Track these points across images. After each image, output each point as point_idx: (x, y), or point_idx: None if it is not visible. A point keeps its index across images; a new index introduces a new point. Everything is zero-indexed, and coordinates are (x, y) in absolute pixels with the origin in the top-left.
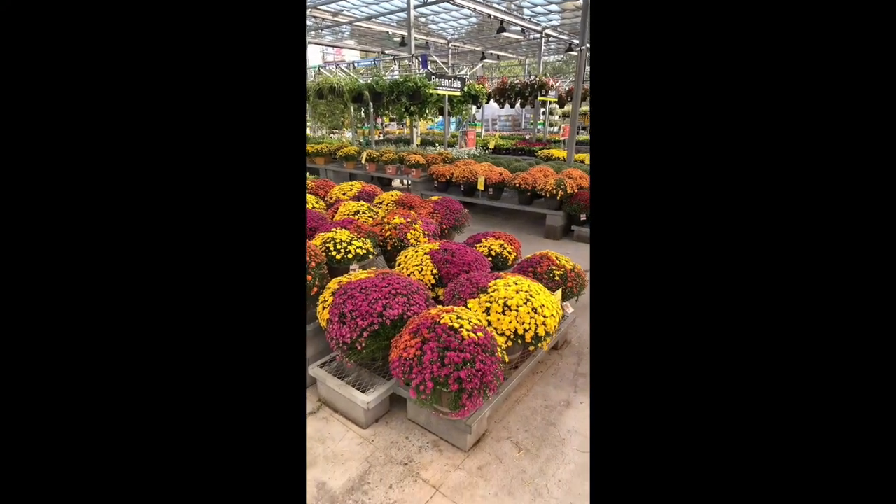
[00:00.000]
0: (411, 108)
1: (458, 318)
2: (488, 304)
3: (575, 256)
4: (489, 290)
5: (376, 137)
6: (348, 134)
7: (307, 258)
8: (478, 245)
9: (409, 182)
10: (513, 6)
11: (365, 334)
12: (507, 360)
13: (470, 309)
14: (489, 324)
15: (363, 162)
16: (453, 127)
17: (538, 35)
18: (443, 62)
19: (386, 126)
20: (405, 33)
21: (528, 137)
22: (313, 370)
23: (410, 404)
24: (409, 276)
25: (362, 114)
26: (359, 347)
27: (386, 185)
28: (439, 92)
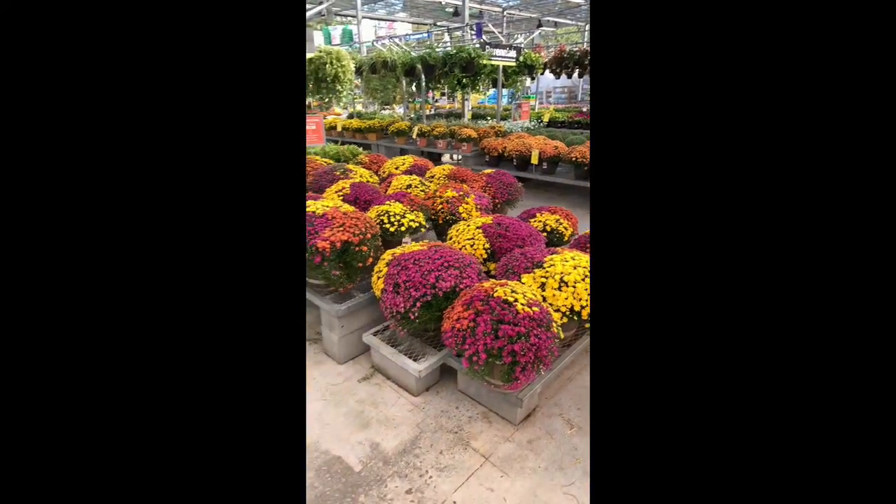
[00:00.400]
0: (464, 80)
1: (513, 291)
2: (543, 280)
3: None
4: (545, 265)
5: (427, 112)
6: (399, 109)
7: (363, 228)
8: (532, 220)
9: (460, 157)
10: None
11: (418, 304)
12: (562, 336)
13: (524, 284)
14: (544, 299)
15: (414, 137)
16: (505, 100)
17: None
18: (497, 31)
19: (437, 101)
20: (458, 2)
21: (585, 109)
22: (367, 338)
23: (461, 375)
24: (460, 249)
25: (413, 88)
26: (412, 317)
27: (436, 159)
28: (493, 62)
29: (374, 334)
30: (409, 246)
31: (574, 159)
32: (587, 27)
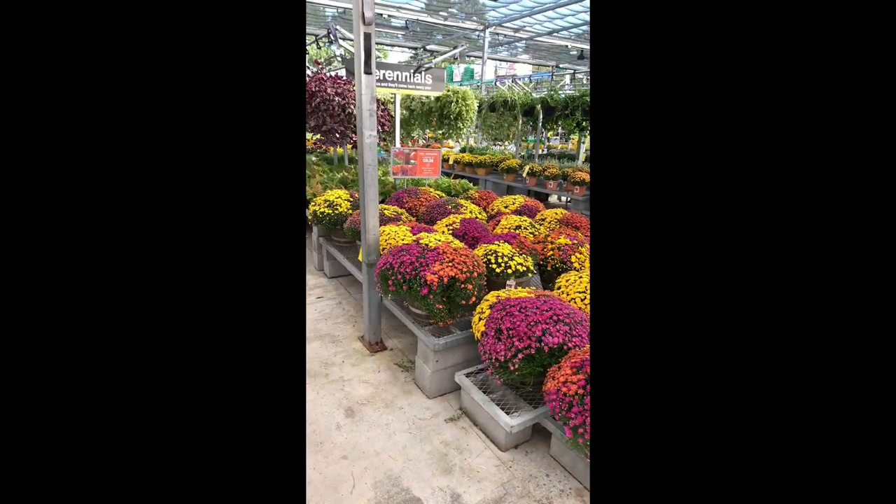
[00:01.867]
0: (583, 123)
1: None
2: None
3: None
4: None
5: (539, 151)
6: (511, 146)
7: (471, 266)
8: None
9: (570, 199)
10: None
11: (520, 356)
12: None
13: None
14: None
15: (524, 175)
16: None
17: None
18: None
19: (549, 140)
20: (585, 46)
21: None
22: (459, 378)
23: (555, 440)
24: (570, 301)
25: (529, 127)
26: (511, 368)
27: (544, 199)
28: None
29: (468, 375)
30: (514, 290)
31: None
32: None
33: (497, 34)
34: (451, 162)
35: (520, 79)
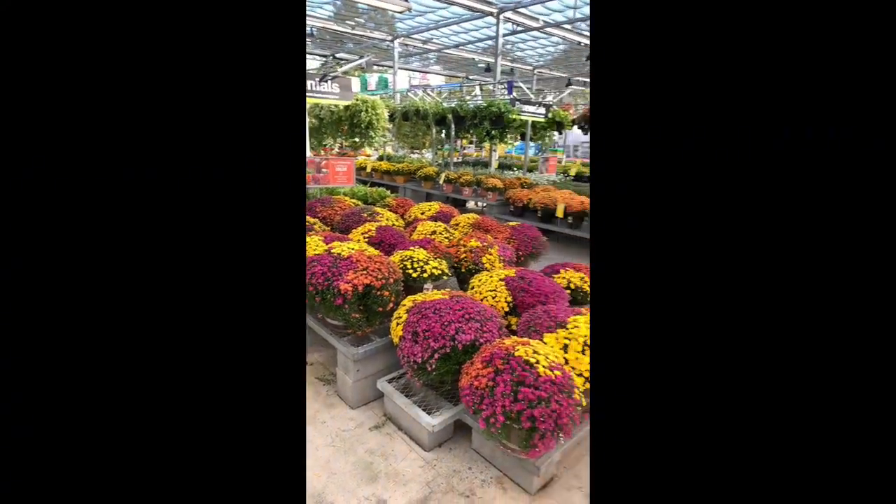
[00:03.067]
0: (493, 132)
1: (535, 352)
2: (567, 341)
3: None
4: (568, 326)
5: (455, 159)
6: (428, 154)
7: (385, 273)
8: (555, 275)
9: (485, 205)
10: None
11: (436, 356)
12: (584, 404)
13: (546, 344)
14: (566, 361)
15: (441, 182)
16: (532, 152)
17: None
18: (527, 87)
19: (464, 148)
20: (491, 60)
21: None
22: (381, 384)
23: (475, 434)
24: (481, 300)
25: (443, 135)
26: (429, 368)
27: (460, 206)
28: (523, 117)
29: (389, 381)
30: (430, 293)
31: None
32: None
33: (406, 45)
34: (368, 170)
35: (432, 89)
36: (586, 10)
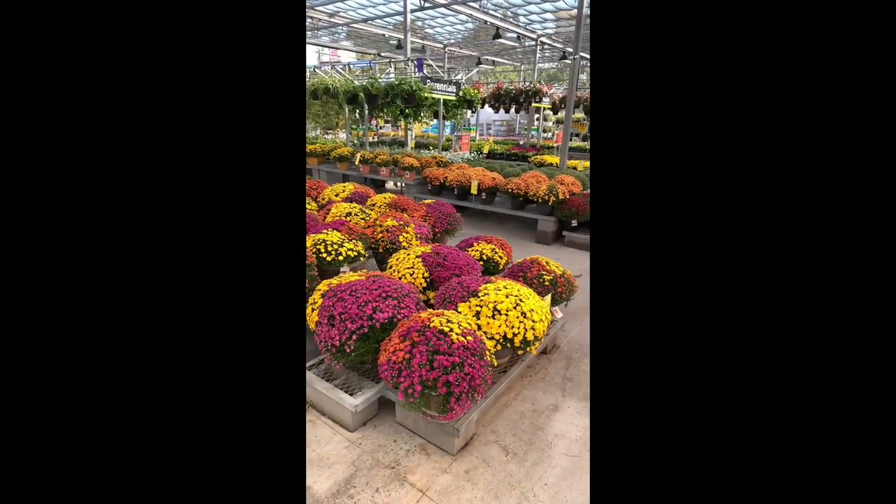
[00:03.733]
0: (406, 110)
1: (448, 321)
2: (478, 308)
3: (566, 262)
4: (480, 295)
5: (370, 139)
6: (342, 135)
7: None
8: (470, 249)
9: (403, 185)
10: (509, 13)
11: (354, 337)
12: (495, 364)
13: (460, 313)
14: (479, 328)
15: (357, 163)
16: (448, 131)
17: (533, 42)
18: (438, 66)
19: (381, 128)
20: (402, 36)
21: (521, 143)
22: None
23: (399, 408)
24: (400, 279)
25: (357, 115)
26: (347, 350)
27: (379, 187)
28: (434, 96)
29: (309, 368)
30: (346, 276)
31: (510, 190)
32: (522, 67)
33: (311, 17)
34: None
35: (342, 66)
36: None
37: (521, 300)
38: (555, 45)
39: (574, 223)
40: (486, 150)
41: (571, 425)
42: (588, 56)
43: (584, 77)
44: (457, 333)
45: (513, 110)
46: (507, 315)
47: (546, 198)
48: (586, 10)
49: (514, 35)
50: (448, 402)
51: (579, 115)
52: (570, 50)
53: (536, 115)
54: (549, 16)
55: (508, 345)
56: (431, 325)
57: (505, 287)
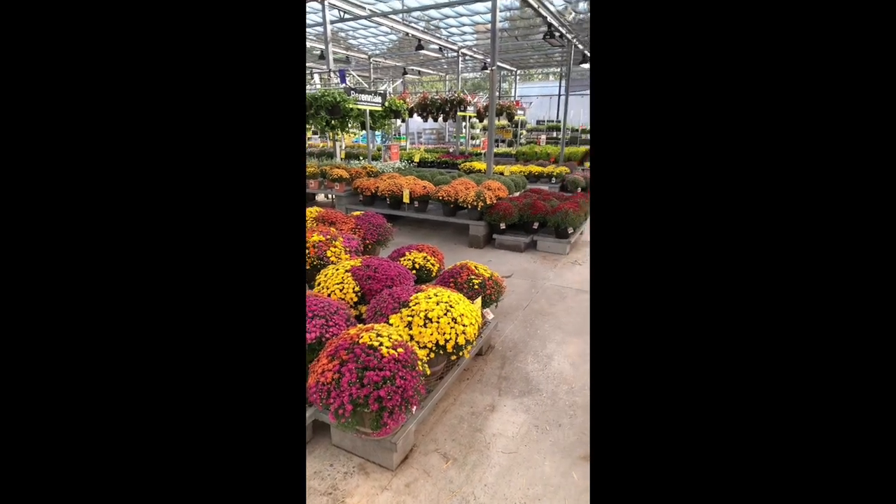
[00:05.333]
0: (332, 121)
1: (378, 335)
2: (410, 318)
3: (497, 263)
4: (411, 304)
5: None
6: None
7: None
8: (402, 259)
9: (334, 196)
10: (430, 25)
11: None
12: (428, 373)
13: (392, 325)
14: (411, 338)
15: None
16: (378, 140)
17: (455, 54)
18: (364, 76)
19: (308, 139)
20: (324, 46)
21: (451, 150)
22: None
23: (334, 429)
24: (329, 295)
25: None
26: None
27: (310, 199)
28: (360, 106)
29: None
30: None
31: (441, 198)
32: (447, 76)
33: None
34: None
35: None
36: (411, 2)
37: (451, 306)
38: (476, 56)
39: (502, 226)
40: (417, 159)
41: (508, 423)
42: (506, 66)
43: (506, 86)
44: (387, 347)
45: (440, 119)
46: (438, 322)
47: (475, 203)
48: (500, 24)
49: (437, 47)
50: (381, 417)
51: (503, 122)
52: (490, 61)
53: (464, 123)
54: (468, 29)
55: (441, 351)
56: (361, 341)
57: (436, 294)
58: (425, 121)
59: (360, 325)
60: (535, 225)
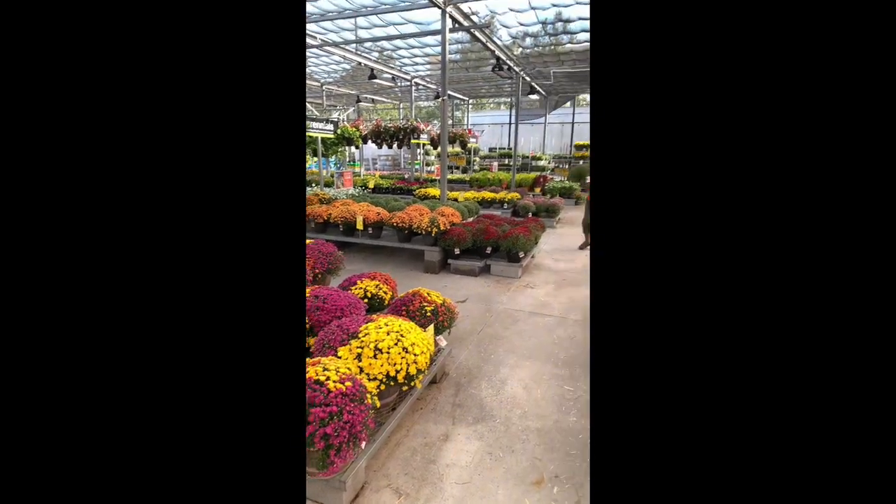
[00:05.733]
0: None
1: (325, 369)
2: (360, 350)
3: (452, 288)
4: (360, 336)
5: None
6: None
7: None
8: (353, 287)
9: None
10: (384, 56)
11: None
12: (378, 406)
13: (340, 357)
14: (361, 370)
15: None
16: (332, 167)
17: (408, 83)
18: (317, 104)
19: None
20: None
21: (406, 176)
22: None
23: None
24: None
25: None
26: None
27: None
28: (311, 134)
29: None
30: None
31: (395, 224)
32: (401, 105)
33: None
34: None
35: None
36: (363, 33)
37: (402, 335)
38: (429, 85)
39: (457, 251)
40: (372, 185)
41: (462, 452)
42: (458, 95)
43: (460, 114)
44: (334, 381)
45: (395, 146)
46: (388, 353)
47: (429, 229)
48: (452, 56)
49: (390, 76)
50: (328, 456)
51: (457, 149)
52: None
53: (419, 150)
54: (420, 60)
55: (393, 382)
56: (307, 375)
57: (386, 324)
58: (379, 147)
59: (307, 360)
60: (489, 250)
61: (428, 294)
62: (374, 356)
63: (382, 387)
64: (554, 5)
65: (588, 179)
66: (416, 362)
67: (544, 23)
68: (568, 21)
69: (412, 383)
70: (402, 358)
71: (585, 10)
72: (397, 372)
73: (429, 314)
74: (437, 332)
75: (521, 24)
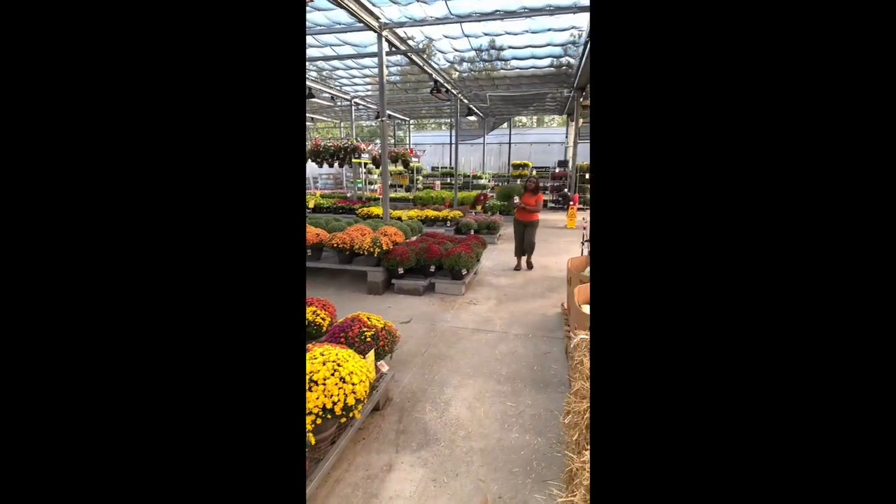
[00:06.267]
0: None
1: None
2: None
3: (396, 309)
4: None
5: None
6: None
7: None
8: None
9: None
10: (322, 75)
11: None
12: (314, 443)
13: None
14: None
15: None
16: None
17: (348, 102)
18: None
19: None
20: None
21: (349, 196)
22: None
23: None
24: None
25: None
26: None
27: None
28: None
29: None
30: None
31: (336, 245)
32: (342, 124)
33: None
34: None
35: None
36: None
37: (339, 365)
38: (370, 105)
39: (401, 271)
40: (312, 205)
41: (406, 481)
42: (399, 116)
43: (402, 134)
44: None
45: (336, 164)
46: (324, 384)
47: (371, 250)
48: (391, 77)
49: (329, 95)
50: None
51: (399, 168)
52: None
53: (362, 169)
54: (359, 81)
55: (330, 415)
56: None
57: (322, 354)
58: (320, 166)
59: None
60: (432, 268)
61: (368, 318)
62: (310, 389)
63: (319, 420)
64: (486, 34)
65: (516, 199)
66: (354, 392)
67: (479, 49)
68: (501, 49)
69: (351, 414)
70: (340, 388)
71: (516, 40)
72: (334, 404)
73: (369, 339)
74: (379, 357)
75: (456, 50)
